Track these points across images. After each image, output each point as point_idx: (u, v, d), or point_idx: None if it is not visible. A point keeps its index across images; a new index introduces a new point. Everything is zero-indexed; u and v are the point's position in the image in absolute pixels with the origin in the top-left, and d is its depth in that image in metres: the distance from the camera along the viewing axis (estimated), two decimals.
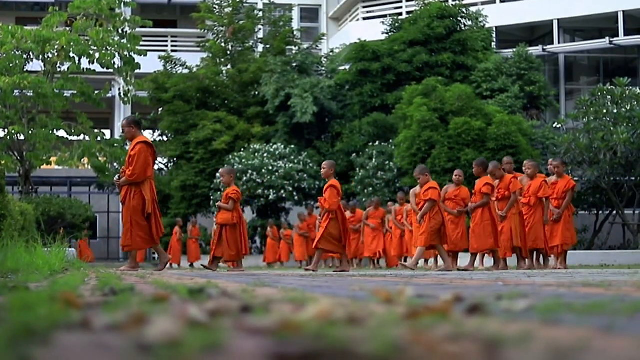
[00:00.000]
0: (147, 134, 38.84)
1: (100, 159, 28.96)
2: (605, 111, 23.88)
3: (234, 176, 17.09)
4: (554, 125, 28.87)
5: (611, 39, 33.99)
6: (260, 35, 38.93)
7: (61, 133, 28.77)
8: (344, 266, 15.78)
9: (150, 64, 32.93)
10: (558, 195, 16.02)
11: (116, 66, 28.72)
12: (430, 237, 15.62)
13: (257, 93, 35.39)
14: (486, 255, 17.42)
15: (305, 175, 31.62)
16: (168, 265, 17.04)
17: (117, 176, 14.52)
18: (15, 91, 27.10)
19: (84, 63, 28.13)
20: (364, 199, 28.04)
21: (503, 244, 15.90)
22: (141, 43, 29.38)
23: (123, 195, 14.21)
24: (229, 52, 37.20)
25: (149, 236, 13.95)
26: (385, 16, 37.34)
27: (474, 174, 16.29)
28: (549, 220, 16.25)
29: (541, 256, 16.46)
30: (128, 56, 28.62)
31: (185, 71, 36.83)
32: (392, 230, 23.05)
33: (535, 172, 16.33)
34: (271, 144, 32.64)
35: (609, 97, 24.39)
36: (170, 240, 32.76)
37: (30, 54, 27.92)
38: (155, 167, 38.06)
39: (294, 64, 34.18)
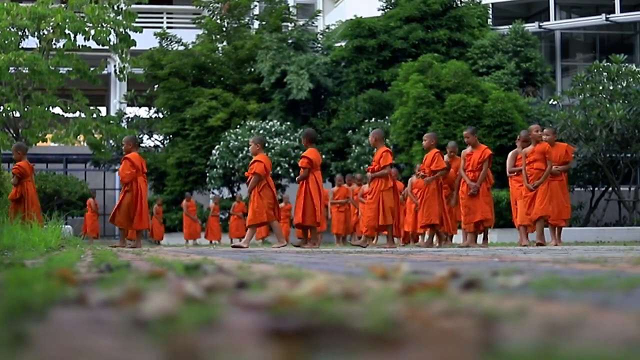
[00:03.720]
0: (143, 111, 38.88)
1: (96, 135, 28.93)
2: (601, 88, 23.86)
3: (23, 153, 17.18)
4: (550, 102, 28.83)
5: (607, 16, 33.90)
6: (256, 11, 38.81)
7: (57, 110, 28.74)
8: (121, 242, 15.84)
9: (145, 40, 32.81)
10: (473, 167, 15.28)
11: (111, 43, 28.63)
12: (259, 215, 15.40)
13: (252, 70, 35.30)
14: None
15: (301, 152, 31.54)
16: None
17: None
18: (11, 68, 27.05)
19: (80, 40, 28.04)
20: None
21: (365, 222, 15.60)
22: (136, 20, 29.28)
23: None
24: (224, 29, 37.09)
25: None
26: None
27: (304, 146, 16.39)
28: (456, 199, 16.03)
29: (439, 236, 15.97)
30: (123, 33, 28.53)
31: (181, 48, 36.72)
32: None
33: (430, 144, 15.93)
34: (267, 121, 32.59)
35: (605, 73, 24.36)
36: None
37: (26, 30, 27.84)
38: (151, 143, 38.30)
39: (290, 41, 34.10)
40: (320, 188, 15.77)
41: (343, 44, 33.54)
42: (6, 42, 27.11)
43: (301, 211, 15.46)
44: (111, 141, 32.31)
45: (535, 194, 14.92)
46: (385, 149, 15.34)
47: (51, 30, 27.77)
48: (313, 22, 38.01)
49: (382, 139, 15.53)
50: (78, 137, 29.07)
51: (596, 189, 26.81)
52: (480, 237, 16.23)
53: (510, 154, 15.84)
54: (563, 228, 15.87)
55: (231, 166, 31.62)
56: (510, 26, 31.64)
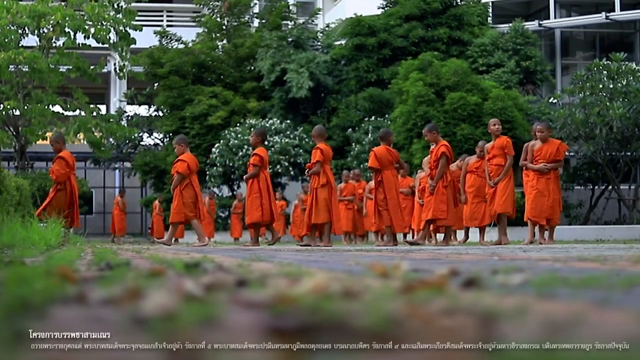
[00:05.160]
0: (143, 109, 38.87)
1: (95, 134, 28.91)
2: (601, 86, 23.83)
3: None
4: (550, 100, 28.80)
5: (607, 14, 33.89)
6: (256, 9, 38.82)
7: (57, 108, 28.71)
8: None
9: (145, 39, 32.80)
10: (431, 164, 15.07)
11: (111, 41, 28.61)
12: (178, 214, 15.46)
13: (252, 68, 35.31)
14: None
15: (301, 151, 31.58)
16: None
17: None
18: (11, 66, 27.02)
19: (80, 38, 28.02)
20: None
21: (305, 220, 15.57)
22: (136, 18, 29.26)
23: None
24: (224, 27, 37.08)
25: None
26: None
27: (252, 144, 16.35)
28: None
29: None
30: (123, 31, 28.51)
31: (181, 46, 36.71)
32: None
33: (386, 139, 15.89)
34: (267, 119, 32.59)
35: (605, 72, 24.33)
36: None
37: (26, 29, 27.82)
38: (151, 142, 38.29)
39: (290, 39, 34.09)
40: (269, 186, 15.77)
41: (343, 42, 33.54)
42: (6, 40, 27.10)
43: (259, 210, 15.46)
44: (111, 139, 32.32)
45: (495, 190, 14.87)
46: (317, 145, 15.26)
47: (51, 29, 27.75)
48: (313, 21, 38.00)
49: (318, 136, 15.40)
50: (78, 135, 29.07)
51: (596, 187, 26.81)
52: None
53: (524, 147, 15.55)
54: (563, 227, 15.69)
55: (231, 164, 31.63)
56: (510, 24, 31.64)
